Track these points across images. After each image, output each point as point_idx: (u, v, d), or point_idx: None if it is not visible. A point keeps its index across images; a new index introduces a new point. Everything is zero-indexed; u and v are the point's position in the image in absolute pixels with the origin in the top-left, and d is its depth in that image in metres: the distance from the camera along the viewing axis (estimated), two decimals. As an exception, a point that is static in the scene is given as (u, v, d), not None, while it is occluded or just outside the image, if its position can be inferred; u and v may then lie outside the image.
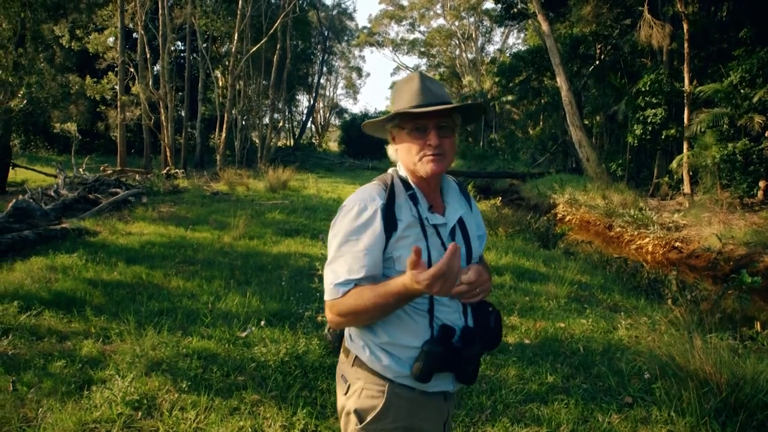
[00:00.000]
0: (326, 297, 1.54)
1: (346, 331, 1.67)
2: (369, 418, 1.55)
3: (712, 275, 10.22)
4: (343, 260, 1.51)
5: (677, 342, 3.68)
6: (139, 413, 3.06)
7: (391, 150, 1.65)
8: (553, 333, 4.49)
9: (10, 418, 2.95)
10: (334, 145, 51.63)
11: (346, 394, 1.61)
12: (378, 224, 1.51)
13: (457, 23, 43.31)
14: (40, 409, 3.06)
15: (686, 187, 15.65)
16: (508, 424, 3.07)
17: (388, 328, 1.55)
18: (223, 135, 22.30)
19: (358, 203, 1.54)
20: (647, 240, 12.36)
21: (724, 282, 8.72)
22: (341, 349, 1.70)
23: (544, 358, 3.94)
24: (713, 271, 10.42)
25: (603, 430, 3.07)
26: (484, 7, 39.56)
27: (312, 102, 45.41)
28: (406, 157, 1.58)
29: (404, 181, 1.61)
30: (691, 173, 15.42)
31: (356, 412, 1.57)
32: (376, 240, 1.51)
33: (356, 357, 1.60)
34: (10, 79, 10.23)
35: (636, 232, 12.94)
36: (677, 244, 11.90)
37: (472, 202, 1.79)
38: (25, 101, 10.57)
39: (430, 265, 1.45)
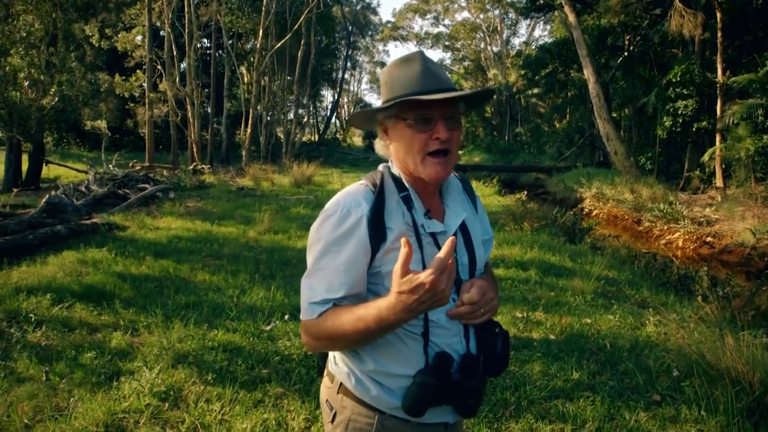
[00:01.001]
0: (301, 316, 1.34)
1: (329, 353, 1.48)
2: None
3: (745, 271, 9.93)
4: (322, 275, 1.30)
5: (708, 339, 3.58)
6: (166, 404, 3.11)
7: (380, 145, 1.43)
8: (579, 329, 4.42)
9: (43, 407, 3.04)
10: (358, 140, 51.77)
11: (332, 422, 1.42)
12: (363, 234, 1.29)
13: (481, 16, 42.82)
14: (72, 399, 3.14)
15: (719, 181, 15.23)
16: (532, 421, 3.03)
17: (375, 354, 1.35)
18: (249, 131, 22.54)
19: (341, 208, 1.31)
20: (677, 235, 12.06)
21: (758, 278, 8.48)
22: (325, 372, 1.50)
23: (570, 354, 3.88)
24: (747, 266, 10.12)
25: (630, 428, 3.01)
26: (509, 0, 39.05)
27: (336, 97, 45.61)
28: (404, 154, 1.34)
29: (397, 181, 1.38)
30: (723, 166, 15.00)
31: None
32: (361, 253, 1.29)
33: (341, 384, 1.40)
34: (42, 78, 10.50)
35: (666, 227, 12.64)
36: (709, 239, 11.59)
37: (478, 202, 1.55)
38: (56, 99, 10.84)
39: None
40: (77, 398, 3.15)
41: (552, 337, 4.25)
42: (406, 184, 1.37)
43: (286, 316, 4.36)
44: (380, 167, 1.44)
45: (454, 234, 1.38)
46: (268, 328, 4.21)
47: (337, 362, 1.43)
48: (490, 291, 1.30)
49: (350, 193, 1.35)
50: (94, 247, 6.66)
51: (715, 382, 3.23)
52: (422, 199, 1.38)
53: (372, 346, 1.33)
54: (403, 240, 1.13)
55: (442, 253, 1.12)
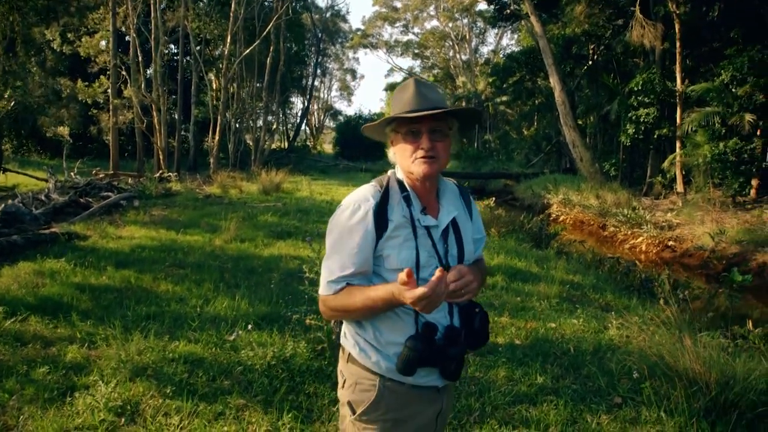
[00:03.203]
0: (320, 291, 1.65)
1: (342, 329, 1.77)
2: (361, 410, 1.64)
3: (705, 274, 10.22)
4: (337, 257, 1.60)
5: (667, 341, 3.66)
6: (122, 419, 3.01)
7: (391, 153, 1.72)
8: (544, 333, 4.46)
9: (-10, 426, 2.91)
10: (328, 147, 51.63)
11: (343, 387, 1.71)
12: (370, 224, 1.59)
13: (450, 25, 43.34)
14: (21, 417, 3.01)
15: (679, 186, 15.69)
16: (496, 426, 3.04)
17: (375, 324, 1.64)
18: (217, 138, 22.24)
19: (353, 203, 1.62)
20: (641, 239, 12.35)
21: (716, 281, 8.73)
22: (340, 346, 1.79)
23: (534, 359, 3.91)
24: (706, 269, 10.42)
25: (592, 430, 3.04)
26: (477, 9, 39.63)
27: (306, 104, 45.38)
28: (401, 160, 1.65)
29: (400, 183, 1.67)
30: (684, 172, 15.45)
31: (349, 403, 1.67)
32: (367, 239, 1.59)
33: (349, 354, 1.69)
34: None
35: (629, 232, 12.94)
36: (670, 243, 11.90)
37: (473, 206, 1.83)
38: (12, 103, 10.45)
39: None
40: (27, 416, 3.01)
41: (517, 342, 4.28)
42: (407, 186, 1.66)
43: (250, 326, 4.27)
44: (389, 172, 1.73)
45: (446, 228, 1.66)
46: (232, 338, 4.12)
47: (347, 336, 1.73)
48: (470, 275, 1.48)
49: (362, 191, 1.66)
50: (51, 257, 6.43)
51: (674, 383, 3.30)
52: (420, 199, 1.67)
53: (372, 318, 1.63)
54: (406, 270, 1.39)
55: (434, 278, 1.38)
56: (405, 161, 1.63)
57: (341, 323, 1.79)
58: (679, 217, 13.11)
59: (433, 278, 1.38)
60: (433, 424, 1.72)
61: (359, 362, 1.67)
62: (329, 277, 1.62)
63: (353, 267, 1.59)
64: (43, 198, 11.03)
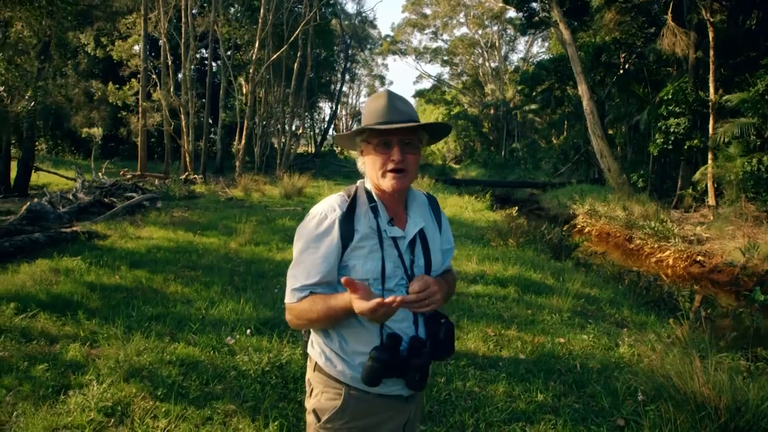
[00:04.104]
0: (285, 299, 1.66)
1: (309, 338, 1.76)
2: (325, 417, 1.64)
3: (735, 291, 9.84)
4: (303, 266, 1.61)
5: (678, 362, 3.48)
6: (112, 420, 3.01)
7: (360, 162, 1.72)
8: (551, 348, 4.31)
9: (-18, 422, 2.93)
10: (355, 153, 51.75)
11: (310, 396, 1.71)
12: (335, 234, 1.59)
13: (480, 32, 43.09)
14: (15, 413, 3.03)
15: (711, 199, 15.17)
16: (489, 444, 2.93)
17: (340, 333, 1.64)
18: (243, 141, 22.52)
19: (320, 213, 1.63)
20: (668, 253, 11.97)
21: (745, 298, 8.38)
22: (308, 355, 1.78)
23: (537, 375, 3.77)
24: (736, 286, 10.03)
25: (590, 453, 2.90)
26: (507, 16, 39.30)
27: (334, 109, 45.68)
28: (371, 171, 1.65)
29: (368, 193, 1.68)
30: (716, 185, 14.95)
31: (314, 411, 1.67)
32: (333, 249, 1.59)
33: (316, 363, 1.69)
34: (17, 84, 10.30)
35: (656, 245, 12.54)
36: (699, 257, 11.49)
37: (443, 217, 1.83)
38: (33, 103, 10.72)
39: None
40: (20, 412, 3.04)
41: (522, 356, 4.15)
42: (375, 197, 1.66)
43: (249, 331, 4.25)
44: (358, 182, 1.74)
45: (413, 239, 1.66)
46: (231, 342, 4.10)
47: (313, 345, 1.73)
48: (434, 286, 1.52)
49: (329, 201, 1.66)
50: (69, 255, 6.56)
51: (681, 406, 3.13)
52: (388, 209, 1.67)
53: (338, 327, 1.63)
54: (343, 279, 1.44)
55: (389, 299, 1.42)
56: (374, 173, 1.63)
57: (309, 332, 1.78)
58: (709, 231, 12.66)
59: (376, 300, 1.40)
60: None
61: (325, 371, 1.67)
62: (294, 284, 1.62)
63: (318, 276, 1.59)
64: (70, 197, 11.31)
